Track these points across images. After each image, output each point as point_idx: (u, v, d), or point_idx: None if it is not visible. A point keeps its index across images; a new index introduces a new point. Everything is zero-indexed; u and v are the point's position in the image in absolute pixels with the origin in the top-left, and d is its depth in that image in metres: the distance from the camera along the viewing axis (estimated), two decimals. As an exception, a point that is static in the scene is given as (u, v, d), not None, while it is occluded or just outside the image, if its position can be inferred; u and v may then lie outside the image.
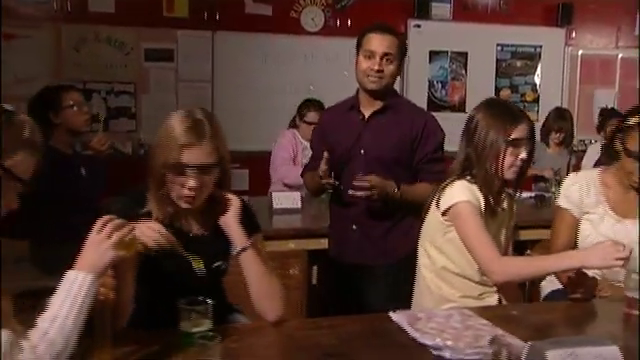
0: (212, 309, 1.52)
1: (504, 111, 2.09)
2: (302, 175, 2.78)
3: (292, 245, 3.03)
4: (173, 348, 1.46)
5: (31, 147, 1.27)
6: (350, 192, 2.33)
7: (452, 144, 5.70)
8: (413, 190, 2.42)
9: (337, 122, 2.58)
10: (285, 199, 3.38)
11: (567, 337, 1.46)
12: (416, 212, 2.25)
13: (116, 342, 1.40)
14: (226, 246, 1.72)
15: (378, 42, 2.40)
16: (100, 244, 1.32)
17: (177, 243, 1.57)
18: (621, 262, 1.79)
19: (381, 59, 2.39)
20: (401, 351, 1.56)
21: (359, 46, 2.45)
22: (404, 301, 2.16)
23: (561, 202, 2.27)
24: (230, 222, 1.66)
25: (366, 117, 2.49)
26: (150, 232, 1.51)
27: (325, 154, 2.38)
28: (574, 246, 2.21)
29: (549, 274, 2.09)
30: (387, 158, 2.45)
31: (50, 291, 1.27)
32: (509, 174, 2.05)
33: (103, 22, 4.67)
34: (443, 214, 2.05)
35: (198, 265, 1.66)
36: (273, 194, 3.45)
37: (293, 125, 4.07)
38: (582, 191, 2.22)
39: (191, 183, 1.57)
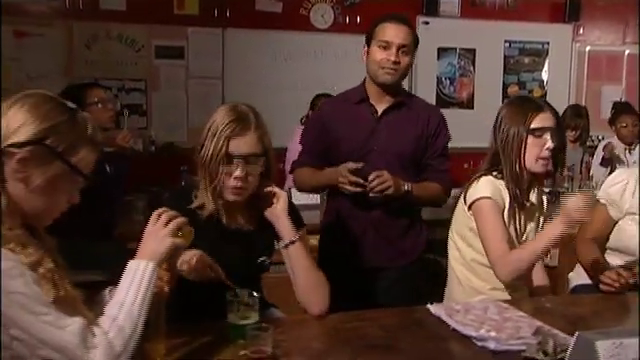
0: (259, 302, 1.54)
1: (525, 101, 2.12)
2: (292, 171, 2.57)
3: (313, 241, 3.04)
4: (223, 340, 1.48)
5: (92, 143, 1.30)
6: (371, 194, 2.18)
7: (460, 140, 5.75)
8: (424, 189, 2.36)
9: (343, 116, 2.42)
10: (303, 195, 3.39)
11: (613, 328, 1.47)
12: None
13: (167, 334, 1.41)
14: (270, 241, 1.73)
15: (395, 32, 2.29)
16: (158, 233, 1.35)
17: (223, 275, 1.58)
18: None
19: (397, 50, 2.28)
20: (445, 342, 1.58)
21: (372, 37, 2.33)
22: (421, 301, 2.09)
23: (600, 195, 2.28)
24: (280, 214, 1.68)
25: (379, 112, 2.38)
26: (196, 264, 1.54)
27: (354, 165, 2.21)
28: (604, 241, 2.23)
29: (546, 250, 2.00)
30: (404, 156, 2.37)
31: (79, 285, 1.29)
32: (537, 167, 2.03)
33: (114, 19, 4.66)
34: (469, 208, 2.08)
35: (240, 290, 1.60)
36: (292, 190, 3.45)
37: (306, 121, 4.09)
38: (627, 191, 2.22)
39: (238, 172, 1.61)
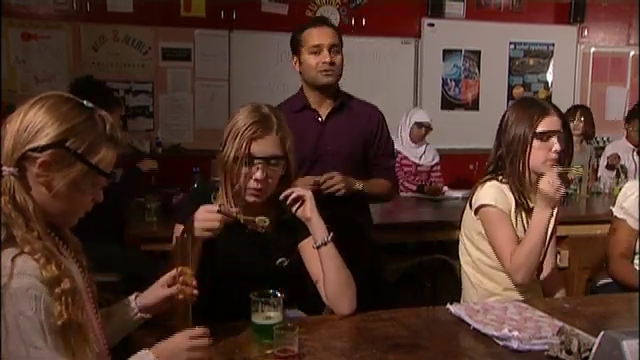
0: (282, 302, 1.54)
1: (531, 104, 2.10)
2: None
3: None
4: (249, 339, 1.49)
5: (113, 142, 1.29)
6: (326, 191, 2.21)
7: (465, 142, 5.71)
8: (374, 185, 2.43)
9: (290, 125, 2.48)
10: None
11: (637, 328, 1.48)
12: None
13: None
14: (289, 242, 1.74)
15: (322, 35, 2.36)
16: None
17: (237, 212, 1.56)
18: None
19: (329, 51, 2.34)
20: (468, 341, 1.59)
21: (300, 45, 2.38)
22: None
23: (617, 212, 2.29)
24: (310, 215, 1.68)
25: (323, 117, 2.42)
26: (210, 215, 1.52)
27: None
28: (632, 253, 2.24)
29: (543, 238, 1.99)
30: (352, 156, 2.43)
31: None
32: (544, 170, 2.00)
33: (121, 22, 4.67)
34: (475, 212, 2.08)
35: (262, 222, 1.59)
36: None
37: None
38: None
39: (258, 174, 1.61)
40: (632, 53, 5.89)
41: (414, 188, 4.18)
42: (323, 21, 2.45)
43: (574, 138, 4.37)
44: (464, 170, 5.05)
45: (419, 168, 4.38)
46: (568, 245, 3.38)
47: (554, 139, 2.01)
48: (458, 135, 5.32)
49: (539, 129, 2.01)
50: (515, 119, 2.06)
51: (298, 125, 2.36)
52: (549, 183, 1.90)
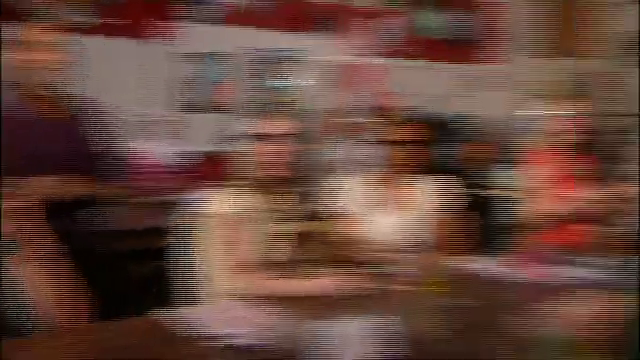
0: None
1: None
2: None
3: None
4: None
5: None
6: None
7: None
8: None
9: None
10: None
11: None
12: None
13: None
14: None
15: None
16: None
17: None
18: None
19: None
20: (187, 346, 1.56)
21: None
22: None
23: None
24: None
25: None
26: None
27: None
28: None
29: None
30: None
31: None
32: (272, 172, 2.10)
33: None
34: (206, 218, 2.10)
35: None
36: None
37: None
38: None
39: None
40: (378, 62, 6.36)
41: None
42: None
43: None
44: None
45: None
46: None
47: (269, 141, 2.10)
48: (213, 139, 5.30)
49: (259, 131, 2.11)
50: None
51: None
52: None
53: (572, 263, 2.22)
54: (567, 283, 2.05)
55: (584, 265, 2.19)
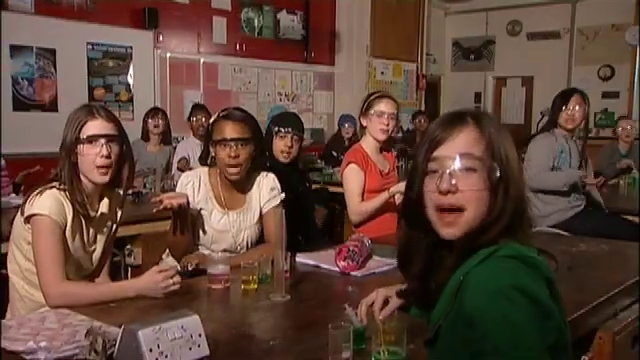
0: None
1: (79, 109, 2.01)
2: None
3: None
4: None
5: None
6: None
7: (44, 145, 5.39)
8: None
9: None
10: None
11: (156, 317, 1.56)
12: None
13: None
14: None
15: None
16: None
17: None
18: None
19: None
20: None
21: None
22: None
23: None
24: None
25: None
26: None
27: None
28: None
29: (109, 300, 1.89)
30: None
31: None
32: (93, 175, 1.99)
33: None
34: (26, 221, 1.96)
35: None
36: None
37: None
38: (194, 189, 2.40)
39: None
40: (202, 60, 6.46)
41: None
42: None
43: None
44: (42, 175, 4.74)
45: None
46: (143, 242, 3.48)
47: (94, 144, 1.96)
48: (35, 137, 4.96)
49: (85, 133, 1.96)
50: (66, 123, 1.99)
51: None
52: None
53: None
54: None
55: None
